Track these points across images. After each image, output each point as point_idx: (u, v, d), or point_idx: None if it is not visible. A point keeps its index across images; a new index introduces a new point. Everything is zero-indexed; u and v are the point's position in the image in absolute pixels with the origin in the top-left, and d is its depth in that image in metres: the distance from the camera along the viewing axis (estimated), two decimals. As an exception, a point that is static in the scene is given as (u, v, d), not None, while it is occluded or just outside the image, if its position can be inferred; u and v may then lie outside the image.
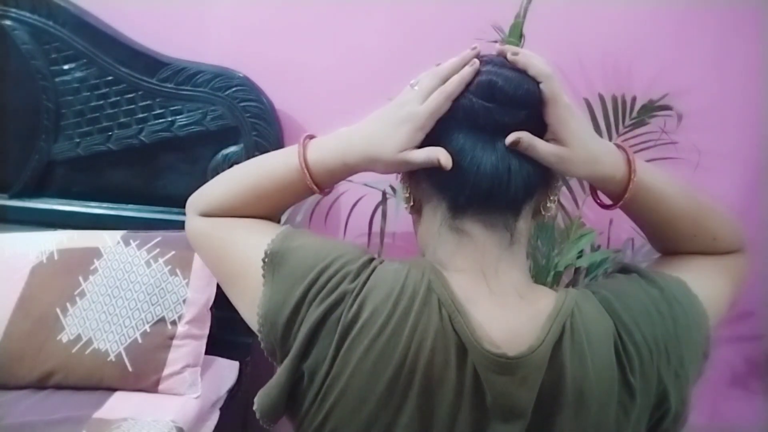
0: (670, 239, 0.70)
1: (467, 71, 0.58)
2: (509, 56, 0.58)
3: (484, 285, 0.59)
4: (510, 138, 0.57)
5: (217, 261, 0.69)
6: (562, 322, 0.56)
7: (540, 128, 0.60)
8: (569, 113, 0.58)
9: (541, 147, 0.57)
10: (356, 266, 0.59)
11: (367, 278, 0.58)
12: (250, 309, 0.62)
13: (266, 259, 0.61)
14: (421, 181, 0.63)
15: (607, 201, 0.68)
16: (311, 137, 0.68)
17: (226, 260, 0.68)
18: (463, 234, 0.60)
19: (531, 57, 0.57)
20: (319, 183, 0.66)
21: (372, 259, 0.61)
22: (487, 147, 0.57)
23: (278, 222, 0.72)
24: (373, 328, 0.55)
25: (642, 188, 0.64)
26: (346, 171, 0.66)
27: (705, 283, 0.65)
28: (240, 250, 0.66)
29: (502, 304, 0.59)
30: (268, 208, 0.70)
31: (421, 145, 0.60)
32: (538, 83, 0.57)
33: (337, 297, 0.57)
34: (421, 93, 0.59)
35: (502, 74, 0.57)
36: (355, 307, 0.56)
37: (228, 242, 0.68)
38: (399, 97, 0.62)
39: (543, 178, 0.61)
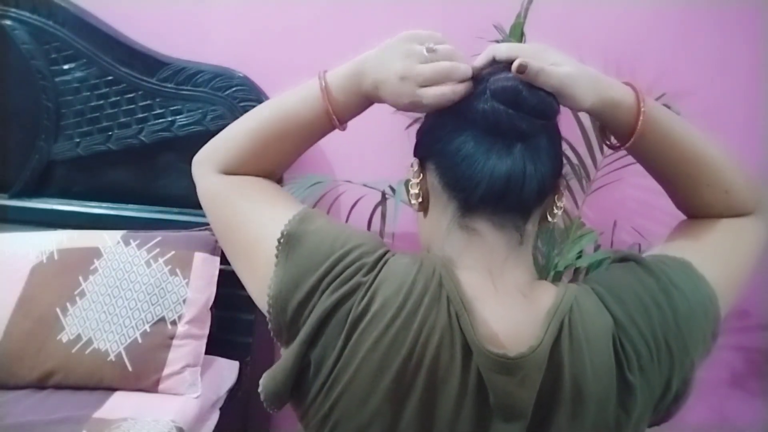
0: (686, 188, 0.69)
1: (463, 90, 0.60)
2: (514, 70, 0.58)
3: (490, 283, 0.59)
4: (516, 64, 0.57)
5: (228, 229, 0.68)
6: (561, 319, 0.56)
7: (554, 138, 0.61)
8: (556, 53, 0.59)
9: (549, 69, 0.57)
10: (373, 258, 0.59)
11: (380, 271, 0.58)
12: (257, 285, 0.62)
13: (282, 239, 0.60)
14: (433, 178, 0.63)
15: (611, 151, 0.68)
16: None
17: (239, 231, 0.66)
18: (473, 232, 0.61)
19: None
20: (343, 119, 0.67)
21: (387, 252, 0.61)
22: (503, 151, 0.58)
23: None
24: (382, 320, 0.55)
25: (652, 122, 0.62)
26: (366, 104, 0.67)
27: (717, 258, 0.65)
28: (255, 223, 0.65)
29: (506, 302, 0.59)
30: (290, 152, 0.71)
31: (437, 144, 0.61)
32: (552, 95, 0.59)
33: (351, 288, 0.57)
34: (429, 78, 0.60)
35: (526, 83, 0.58)
36: (366, 299, 0.56)
37: (243, 212, 0.66)
38: (401, 49, 0.62)
39: (554, 183, 0.62)
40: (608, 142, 0.68)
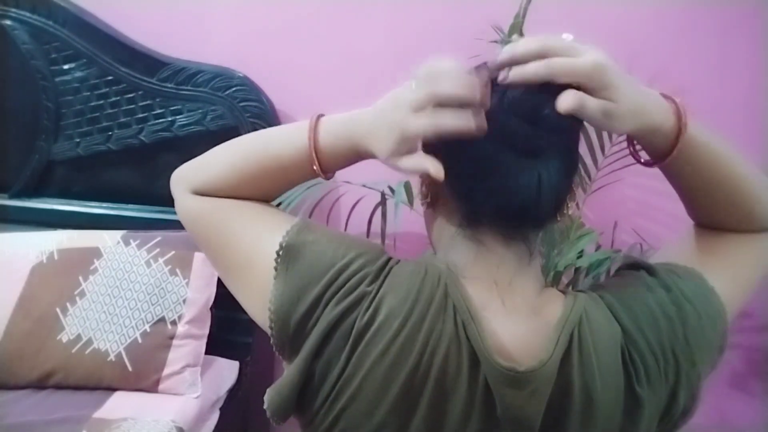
0: (707, 206, 0.66)
1: (471, 126, 0.52)
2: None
3: (497, 295, 0.58)
4: (562, 106, 0.51)
5: (218, 248, 0.65)
6: (570, 331, 0.55)
7: (573, 144, 0.58)
8: (611, 74, 0.52)
9: (590, 104, 0.51)
10: (376, 267, 0.57)
11: (384, 280, 0.57)
12: (255, 302, 0.60)
13: (281, 252, 0.58)
14: (440, 182, 0.60)
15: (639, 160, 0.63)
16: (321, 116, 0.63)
17: (230, 249, 0.64)
18: (480, 244, 0.59)
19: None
20: (327, 168, 0.63)
21: (389, 260, 0.59)
22: (519, 165, 0.54)
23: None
24: (388, 331, 0.54)
25: (690, 145, 0.58)
26: (353, 157, 0.62)
27: (727, 271, 0.64)
28: (247, 239, 0.62)
29: (514, 314, 0.58)
30: (270, 189, 0.67)
31: (448, 147, 0.56)
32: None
33: (355, 298, 0.56)
34: (416, 101, 0.53)
35: (548, 98, 0.52)
36: (371, 309, 0.55)
37: (232, 230, 0.63)
38: (398, 93, 0.56)
39: (568, 189, 0.59)
40: (641, 161, 0.64)
